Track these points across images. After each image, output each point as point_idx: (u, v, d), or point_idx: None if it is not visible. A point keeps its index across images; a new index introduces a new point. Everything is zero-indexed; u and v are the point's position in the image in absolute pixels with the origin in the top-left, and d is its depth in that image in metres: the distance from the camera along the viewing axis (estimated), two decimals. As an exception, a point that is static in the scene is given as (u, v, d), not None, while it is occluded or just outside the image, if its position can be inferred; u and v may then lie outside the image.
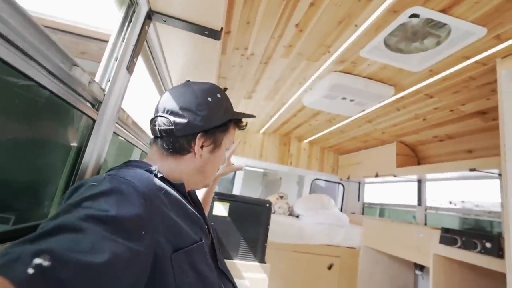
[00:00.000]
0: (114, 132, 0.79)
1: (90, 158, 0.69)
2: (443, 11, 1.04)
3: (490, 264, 1.30)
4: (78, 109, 0.59)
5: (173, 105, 0.63)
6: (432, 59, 1.32)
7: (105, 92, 0.70)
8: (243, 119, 0.75)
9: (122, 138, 1.10)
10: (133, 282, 0.40)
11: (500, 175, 1.15)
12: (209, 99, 0.64)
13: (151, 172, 0.58)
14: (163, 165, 0.63)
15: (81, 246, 0.33)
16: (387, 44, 1.29)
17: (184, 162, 0.64)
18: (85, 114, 0.63)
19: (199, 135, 0.63)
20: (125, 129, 0.91)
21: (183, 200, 0.60)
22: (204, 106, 0.63)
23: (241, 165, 1.15)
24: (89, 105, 0.65)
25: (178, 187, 0.61)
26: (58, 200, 0.64)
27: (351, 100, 1.80)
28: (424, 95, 1.68)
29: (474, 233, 1.45)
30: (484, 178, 2.03)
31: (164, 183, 0.57)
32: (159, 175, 0.58)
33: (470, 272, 1.65)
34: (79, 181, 0.50)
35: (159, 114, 0.63)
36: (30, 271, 0.26)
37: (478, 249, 1.37)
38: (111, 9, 0.86)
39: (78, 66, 0.56)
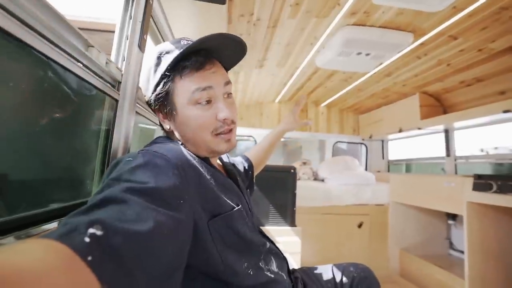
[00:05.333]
0: (136, 112, 0.82)
1: (119, 137, 0.72)
2: None
3: (528, 204, 1.27)
4: (101, 91, 0.62)
5: None
6: (455, -7, 1.21)
7: (122, 72, 0.71)
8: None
9: (142, 125, 1.14)
10: (178, 249, 0.42)
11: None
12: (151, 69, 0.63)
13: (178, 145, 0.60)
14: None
15: (127, 216, 0.35)
16: (402, -15, 1.19)
17: (172, 137, 0.67)
18: (108, 95, 0.65)
19: (156, 109, 0.64)
20: (145, 107, 0.94)
21: (213, 169, 0.62)
22: (144, 78, 0.65)
23: (308, 121, 1.14)
24: (109, 85, 0.67)
25: (204, 159, 0.63)
26: (98, 178, 0.69)
27: (367, 55, 1.71)
28: (448, 37, 1.56)
29: (511, 176, 1.40)
30: (519, 119, 1.91)
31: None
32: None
33: (505, 216, 1.62)
34: (117, 158, 0.53)
35: None
36: (87, 239, 0.29)
37: (515, 190, 1.33)
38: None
39: (93, 46, 0.57)
